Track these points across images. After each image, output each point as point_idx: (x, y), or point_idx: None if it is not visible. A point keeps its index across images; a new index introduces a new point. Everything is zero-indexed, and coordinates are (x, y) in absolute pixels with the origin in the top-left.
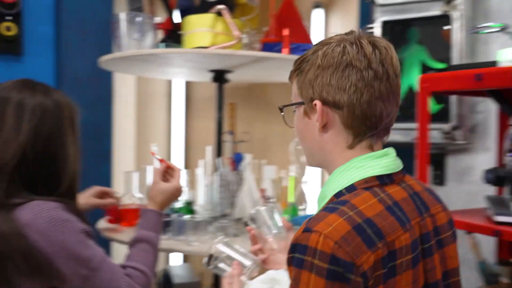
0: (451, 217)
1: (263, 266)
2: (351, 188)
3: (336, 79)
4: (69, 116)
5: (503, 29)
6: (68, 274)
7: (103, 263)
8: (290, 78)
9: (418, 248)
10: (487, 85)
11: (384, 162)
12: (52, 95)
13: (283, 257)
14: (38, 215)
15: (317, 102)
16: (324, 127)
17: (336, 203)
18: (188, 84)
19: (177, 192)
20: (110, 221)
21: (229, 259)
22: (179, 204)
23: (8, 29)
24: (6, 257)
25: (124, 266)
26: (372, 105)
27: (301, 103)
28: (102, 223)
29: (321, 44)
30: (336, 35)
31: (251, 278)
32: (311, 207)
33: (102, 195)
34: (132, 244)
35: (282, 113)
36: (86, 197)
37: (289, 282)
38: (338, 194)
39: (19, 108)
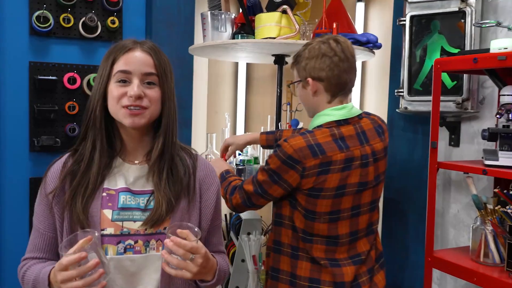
0: (386, 145)
1: None
2: (320, 127)
3: (318, 64)
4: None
5: (498, 24)
6: None
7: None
8: (292, 67)
9: (355, 162)
10: (481, 66)
11: (341, 112)
12: None
13: None
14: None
15: (309, 79)
16: (315, 93)
17: (307, 131)
18: (248, 66)
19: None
20: None
21: None
22: (248, 157)
23: (113, 22)
24: None
25: None
26: (340, 77)
27: (300, 81)
28: None
29: (306, 45)
30: (315, 39)
31: None
32: None
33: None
34: None
35: (289, 87)
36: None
37: None
38: (316, 129)
39: None
